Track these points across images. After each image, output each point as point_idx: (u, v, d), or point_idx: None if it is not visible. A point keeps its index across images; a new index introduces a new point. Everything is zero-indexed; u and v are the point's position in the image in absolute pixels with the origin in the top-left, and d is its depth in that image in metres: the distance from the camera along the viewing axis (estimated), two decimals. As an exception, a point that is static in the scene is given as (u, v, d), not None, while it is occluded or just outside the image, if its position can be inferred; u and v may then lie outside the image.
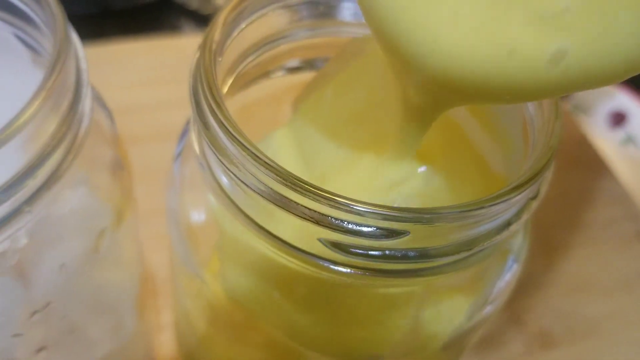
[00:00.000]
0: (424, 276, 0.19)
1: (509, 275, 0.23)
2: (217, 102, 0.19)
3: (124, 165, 0.25)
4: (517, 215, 0.19)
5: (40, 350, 0.24)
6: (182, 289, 0.27)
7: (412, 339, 0.25)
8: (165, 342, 0.39)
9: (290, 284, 0.22)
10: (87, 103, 0.21)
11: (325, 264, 0.19)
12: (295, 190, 0.17)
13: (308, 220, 0.18)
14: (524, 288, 0.44)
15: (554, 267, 0.46)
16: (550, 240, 0.47)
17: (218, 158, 0.19)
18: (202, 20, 0.61)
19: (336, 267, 0.19)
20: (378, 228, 0.17)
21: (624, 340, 0.43)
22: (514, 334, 0.42)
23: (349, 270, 0.19)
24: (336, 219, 0.17)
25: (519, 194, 0.18)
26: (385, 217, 0.17)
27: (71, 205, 0.22)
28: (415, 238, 0.18)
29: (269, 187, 0.18)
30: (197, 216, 0.24)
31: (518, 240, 0.23)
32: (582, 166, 0.52)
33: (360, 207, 0.17)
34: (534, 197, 0.20)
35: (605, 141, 0.59)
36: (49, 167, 0.19)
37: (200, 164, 0.21)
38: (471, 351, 0.41)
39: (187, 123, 0.26)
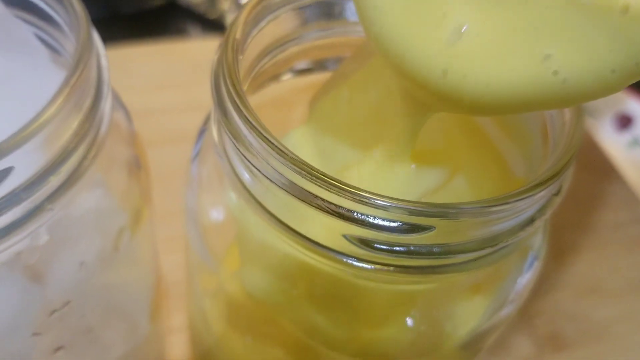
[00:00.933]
0: (447, 272, 0.19)
1: (530, 273, 0.23)
2: (241, 97, 0.19)
3: (142, 164, 0.25)
4: (541, 211, 0.19)
5: (57, 349, 0.24)
6: (200, 288, 0.27)
7: (429, 339, 0.25)
8: (177, 344, 0.39)
9: (310, 281, 0.22)
10: (108, 101, 0.21)
11: (349, 261, 0.19)
12: (320, 185, 0.17)
13: (332, 215, 0.18)
14: (535, 291, 0.44)
15: (563, 269, 0.46)
16: (559, 243, 0.47)
17: (241, 153, 0.19)
18: (208, 24, 0.61)
19: (360, 264, 0.19)
20: (403, 223, 0.17)
21: (636, 343, 0.42)
22: (525, 336, 0.42)
23: (372, 266, 0.19)
24: (361, 214, 0.17)
25: (543, 189, 0.18)
26: (411, 212, 0.17)
27: (89, 206, 0.22)
28: (439, 233, 0.18)
29: (292, 182, 0.18)
30: (216, 214, 0.24)
31: (538, 238, 0.23)
32: (590, 169, 0.52)
33: (386, 202, 0.17)
34: (556, 194, 0.20)
35: (612, 144, 0.59)
36: (71, 165, 0.19)
37: (221, 161, 0.21)
38: (483, 353, 0.41)
39: (205, 123, 0.26)
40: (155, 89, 0.53)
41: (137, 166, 0.25)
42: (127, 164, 0.24)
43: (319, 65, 0.29)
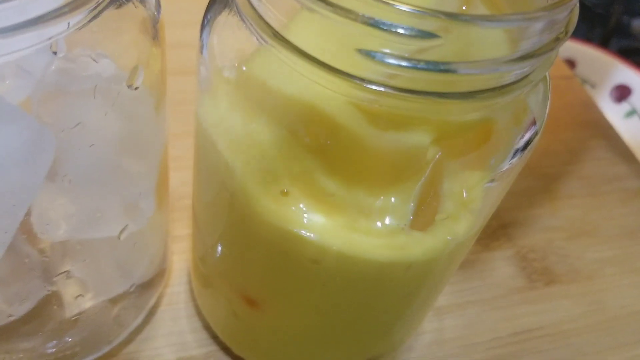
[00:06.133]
0: (451, 99, 0.20)
1: (529, 134, 0.24)
2: None
3: (160, 33, 0.25)
4: (545, 47, 0.20)
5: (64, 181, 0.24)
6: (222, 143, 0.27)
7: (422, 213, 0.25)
8: (179, 250, 0.40)
9: (314, 128, 0.23)
10: None
11: (359, 82, 0.20)
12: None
13: (343, 18, 0.18)
14: (530, 230, 0.45)
15: (557, 213, 0.46)
16: (556, 190, 0.48)
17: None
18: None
19: (370, 85, 0.20)
20: (412, 28, 0.18)
21: (625, 285, 0.43)
22: (519, 270, 0.42)
23: (381, 87, 0.20)
24: (372, 18, 0.18)
25: (553, 9, 0.19)
26: (420, 16, 0.18)
27: (105, 35, 0.22)
28: (447, 47, 0.18)
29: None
30: (228, 73, 0.25)
31: (538, 98, 0.24)
32: (588, 127, 0.53)
33: (395, 5, 0.18)
34: (563, 35, 0.21)
35: (610, 114, 0.60)
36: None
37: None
38: (476, 284, 0.41)
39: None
40: (174, 26, 0.54)
41: (154, 23, 0.25)
42: (145, 20, 0.25)
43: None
